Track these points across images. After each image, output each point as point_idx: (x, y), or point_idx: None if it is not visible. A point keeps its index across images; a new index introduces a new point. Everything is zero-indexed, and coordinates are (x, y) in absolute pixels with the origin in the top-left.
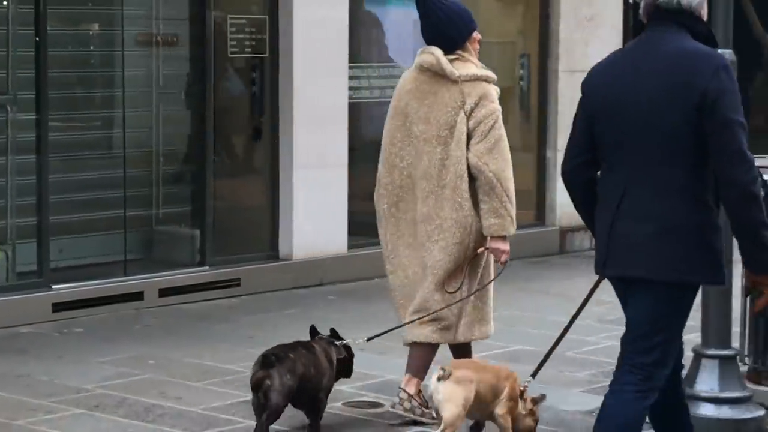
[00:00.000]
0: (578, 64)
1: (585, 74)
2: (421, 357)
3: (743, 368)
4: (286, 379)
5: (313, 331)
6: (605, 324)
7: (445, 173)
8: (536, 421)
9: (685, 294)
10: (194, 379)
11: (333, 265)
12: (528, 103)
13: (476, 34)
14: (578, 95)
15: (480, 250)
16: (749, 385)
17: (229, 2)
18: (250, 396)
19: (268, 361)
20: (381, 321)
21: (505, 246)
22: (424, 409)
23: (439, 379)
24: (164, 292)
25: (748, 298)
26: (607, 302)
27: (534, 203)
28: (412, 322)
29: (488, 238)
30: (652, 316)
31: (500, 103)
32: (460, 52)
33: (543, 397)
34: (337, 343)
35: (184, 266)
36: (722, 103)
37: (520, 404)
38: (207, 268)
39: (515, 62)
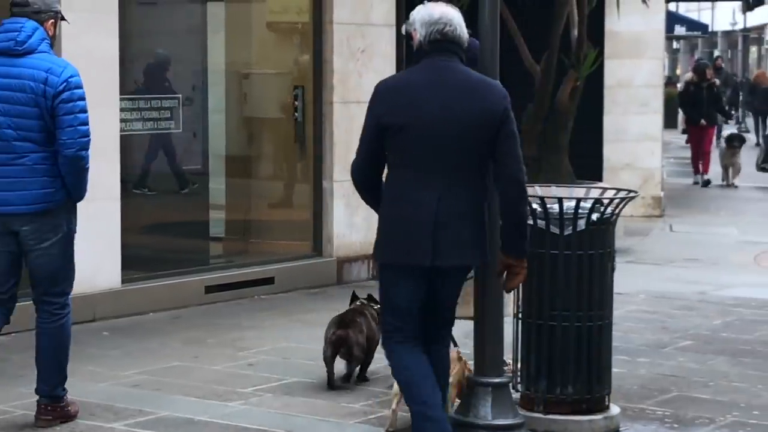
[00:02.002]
0: (352, 95)
1: (359, 105)
2: None
3: (516, 395)
4: (360, 337)
5: (354, 296)
6: (382, 354)
7: None
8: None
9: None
10: None
11: (106, 300)
12: (303, 135)
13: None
14: (353, 125)
15: None
16: (522, 411)
17: None
18: None
19: (344, 323)
20: (158, 357)
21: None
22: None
23: None
24: None
25: (516, 321)
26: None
27: (311, 234)
28: None
29: None
30: (457, 294)
31: (274, 136)
32: None
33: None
34: (376, 307)
35: None
36: (509, 121)
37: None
38: None
39: (290, 94)
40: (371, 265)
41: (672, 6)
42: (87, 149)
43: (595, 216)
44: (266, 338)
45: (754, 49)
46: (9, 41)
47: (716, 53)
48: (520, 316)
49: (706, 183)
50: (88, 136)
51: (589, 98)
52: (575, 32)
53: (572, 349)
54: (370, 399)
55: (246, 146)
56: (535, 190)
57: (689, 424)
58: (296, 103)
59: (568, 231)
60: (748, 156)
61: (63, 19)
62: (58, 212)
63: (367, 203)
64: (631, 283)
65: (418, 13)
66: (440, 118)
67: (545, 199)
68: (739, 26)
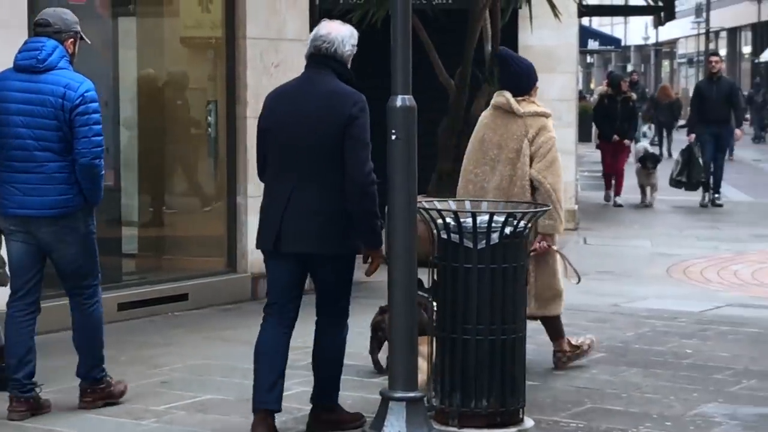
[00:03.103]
0: None
1: None
2: (551, 324)
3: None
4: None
5: None
6: (296, 370)
7: (513, 186)
8: None
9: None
10: None
11: None
12: (217, 150)
13: (537, 84)
14: None
15: (534, 246)
16: (436, 426)
17: None
18: None
19: (384, 309)
20: (70, 375)
21: (552, 240)
22: (581, 349)
23: None
24: None
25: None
26: (298, 348)
27: (225, 250)
28: None
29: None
30: (335, 281)
31: (188, 151)
32: (526, 96)
33: None
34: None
35: None
36: (353, 126)
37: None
38: None
39: (203, 109)
40: (252, 285)
41: (585, 21)
42: (101, 158)
43: (508, 230)
44: (180, 355)
45: (666, 63)
46: (31, 59)
47: (629, 67)
48: (434, 330)
49: (618, 204)
50: (101, 145)
51: None
52: (489, 47)
53: (486, 363)
54: (285, 416)
55: (159, 162)
56: (448, 204)
57: None
58: (209, 118)
59: (481, 245)
60: (663, 168)
61: (82, 38)
62: (75, 216)
63: None
64: None
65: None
66: (294, 122)
67: (459, 213)
68: (652, 41)
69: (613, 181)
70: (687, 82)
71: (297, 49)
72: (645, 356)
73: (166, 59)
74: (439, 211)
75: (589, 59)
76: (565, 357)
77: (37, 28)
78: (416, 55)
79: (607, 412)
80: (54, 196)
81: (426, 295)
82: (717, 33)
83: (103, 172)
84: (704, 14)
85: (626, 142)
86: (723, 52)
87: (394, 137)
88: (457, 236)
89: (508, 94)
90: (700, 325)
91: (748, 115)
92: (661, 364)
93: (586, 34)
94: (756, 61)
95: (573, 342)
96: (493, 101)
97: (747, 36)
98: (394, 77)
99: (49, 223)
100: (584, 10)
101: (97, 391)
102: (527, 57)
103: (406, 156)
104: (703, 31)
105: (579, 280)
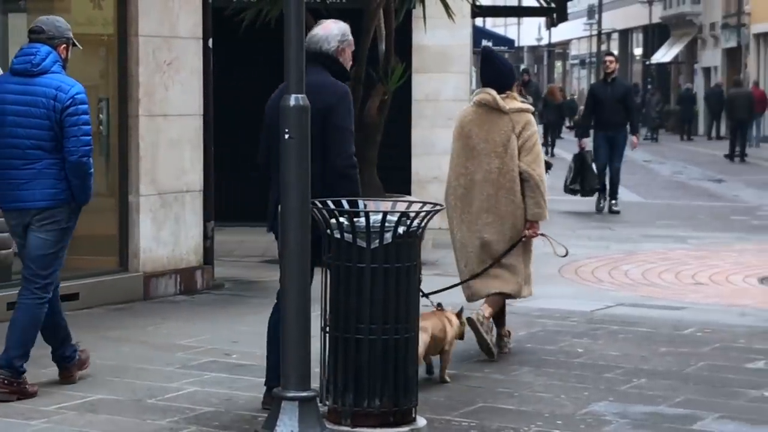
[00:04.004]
0: (159, 108)
1: (165, 118)
2: (496, 301)
3: (323, 409)
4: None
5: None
6: (188, 369)
7: (502, 178)
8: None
9: None
10: None
11: None
12: (108, 148)
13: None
14: (159, 138)
15: (525, 232)
16: (329, 425)
17: None
18: None
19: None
20: None
21: (538, 227)
22: (489, 331)
23: None
24: None
25: (323, 334)
26: (190, 347)
27: (116, 249)
28: (475, 276)
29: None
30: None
31: None
32: (507, 92)
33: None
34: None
35: None
36: (333, 116)
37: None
38: None
39: (95, 107)
40: (179, 279)
41: (479, 21)
42: (89, 156)
43: (401, 229)
44: None
45: (559, 64)
46: (26, 63)
47: (522, 67)
48: (327, 329)
49: None
50: (90, 145)
51: (397, 112)
52: (383, 46)
53: (379, 362)
54: (177, 415)
55: None
56: (342, 203)
57: None
58: (101, 116)
59: (374, 244)
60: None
61: (74, 45)
62: (61, 210)
63: None
64: (438, 295)
65: None
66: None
67: (352, 212)
68: (545, 41)
69: None
70: (579, 83)
71: (190, 47)
72: (536, 355)
73: None
74: (332, 210)
75: None
76: (511, 342)
77: (32, 34)
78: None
79: (499, 411)
80: (42, 189)
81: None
82: (609, 34)
83: (92, 170)
84: (596, 16)
85: None
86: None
87: (287, 136)
88: (351, 236)
89: (493, 92)
90: (591, 324)
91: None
92: (553, 363)
93: (479, 34)
94: (647, 62)
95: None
96: (477, 98)
97: (638, 38)
98: (288, 77)
99: (36, 213)
100: (478, 11)
101: (14, 384)
102: (421, 57)
103: (299, 155)
104: (595, 32)
105: (566, 253)
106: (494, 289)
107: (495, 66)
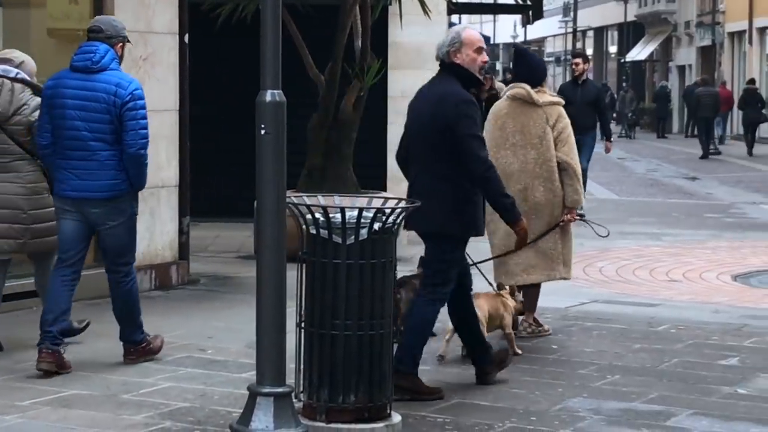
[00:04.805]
0: None
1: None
2: (534, 297)
3: (298, 404)
4: (411, 295)
5: (422, 260)
6: (163, 365)
7: (539, 168)
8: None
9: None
10: None
11: None
12: None
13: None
14: None
15: (564, 218)
16: (304, 421)
17: None
18: None
19: (399, 282)
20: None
21: (575, 213)
22: (543, 329)
23: None
24: None
25: (299, 330)
26: (165, 343)
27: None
28: (505, 255)
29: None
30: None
31: None
32: (539, 87)
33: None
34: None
35: None
36: (458, 126)
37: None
38: None
39: None
40: (154, 274)
41: (455, 18)
42: (146, 148)
43: (377, 225)
44: None
45: None
46: (86, 61)
47: (498, 65)
48: (302, 325)
49: None
50: (147, 138)
51: (373, 108)
52: (359, 43)
53: (354, 358)
54: (151, 411)
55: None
56: (317, 199)
57: (469, 430)
58: None
59: (350, 240)
60: None
61: (128, 41)
62: (123, 199)
63: None
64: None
65: None
66: (415, 120)
67: (328, 208)
68: (520, 39)
69: None
70: (555, 80)
71: (166, 42)
72: None
73: (32, 51)
74: (308, 206)
75: None
76: (531, 328)
77: (90, 33)
78: (286, 50)
79: (473, 407)
80: (105, 181)
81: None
82: (584, 32)
83: (147, 161)
84: (572, 14)
85: None
86: (590, 51)
87: (263, 132)
88: (326, 231)
89: (527, 87)
90: (566, 321)
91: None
92: (527, 359)
93: None
94: (622, 60)
95: (538, 320)
96: (512, 92)
97: (613, 35)
98: (264, 72)
99: (99, 204)
100: (454, 8)
101: (139, 350)
102: (397, 53)
103: (275, 151)
104: (571, 30)
105: (608, 233)
106: (531, 280)
107: (527, 62)
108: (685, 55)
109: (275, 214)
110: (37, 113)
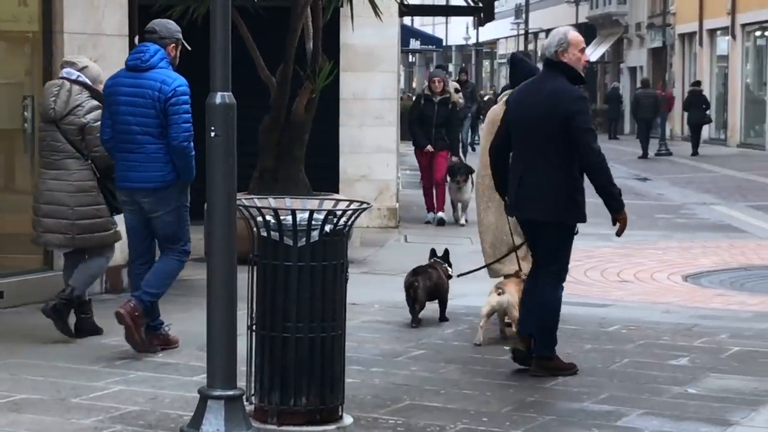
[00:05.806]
0: None
1: None
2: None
3: (250, 407)
4: (427, 283)
5: (433, 252)
6: (114, 368)
7: None
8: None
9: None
10: None
11: None
12: (33, 146)
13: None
14: None
15: None
16: (256, 424)
17: None
18: None
19: (415, 272)
20: None
21: None
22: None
23: (498, 295)
24: None
25: (250, 333)
26: (116, 346)
27: (42, 248)
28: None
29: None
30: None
31: (3, 147)
32: None
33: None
34: (445, 265)
35: None
36: (572, 118)
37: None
38: None
39: (20, 104)
40: (105, 278)
41: (407, 20)
42: (190, 141)
43: (328, 227)
44: None
45: (486, 63)
46: (137, 60)
47: (451, 67)
48: (254, 328)
49: (440, 222)
50: (190, 131)
51: (325, 110)
52: (310, 44)
53: (305, 360)
54: (101, 415)
55: None
56: (268, 201)
57: None
58: (26, 113)
59: (301, 242)
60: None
61: (184, 44)
62: (169, 190)
63: None
64: (366, 293)
65: None
66: (524, 115)
67: (279, 210)
68: (473, 41)
69: (435, 197)
70: (507, 81)
71: (116, 44)
72: (463, 353)
73: None
74: (258, 208)
75: (411, 59)
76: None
77: (146, 34)
78: (237, 52)
79: (425, 409)
80: (152, 172)
81: (441, 261)
82: (536, 34)
83: (193, 152)
84: (523, 15)
85: (445, 151)
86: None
87: (213, 135)
88: (277, 234)
89: None
90: None
91: None
92: (479, 360)
93: (407, 33)
94: None
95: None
96: (508, 98)
97: None
98: (214, 74)
99: (147, 194)
100: (405, 10)
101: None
102: (349, 55)
103: (225, 153)
104: (523, 32)
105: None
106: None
107: (525, 69)
108: (637, 57)
109: (226, 216)
110: (90, 115)
